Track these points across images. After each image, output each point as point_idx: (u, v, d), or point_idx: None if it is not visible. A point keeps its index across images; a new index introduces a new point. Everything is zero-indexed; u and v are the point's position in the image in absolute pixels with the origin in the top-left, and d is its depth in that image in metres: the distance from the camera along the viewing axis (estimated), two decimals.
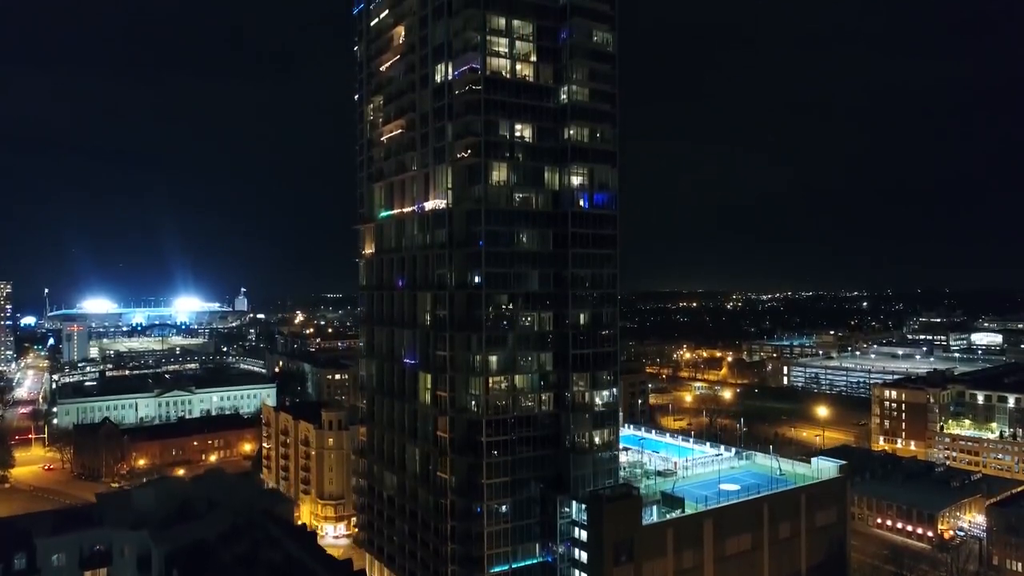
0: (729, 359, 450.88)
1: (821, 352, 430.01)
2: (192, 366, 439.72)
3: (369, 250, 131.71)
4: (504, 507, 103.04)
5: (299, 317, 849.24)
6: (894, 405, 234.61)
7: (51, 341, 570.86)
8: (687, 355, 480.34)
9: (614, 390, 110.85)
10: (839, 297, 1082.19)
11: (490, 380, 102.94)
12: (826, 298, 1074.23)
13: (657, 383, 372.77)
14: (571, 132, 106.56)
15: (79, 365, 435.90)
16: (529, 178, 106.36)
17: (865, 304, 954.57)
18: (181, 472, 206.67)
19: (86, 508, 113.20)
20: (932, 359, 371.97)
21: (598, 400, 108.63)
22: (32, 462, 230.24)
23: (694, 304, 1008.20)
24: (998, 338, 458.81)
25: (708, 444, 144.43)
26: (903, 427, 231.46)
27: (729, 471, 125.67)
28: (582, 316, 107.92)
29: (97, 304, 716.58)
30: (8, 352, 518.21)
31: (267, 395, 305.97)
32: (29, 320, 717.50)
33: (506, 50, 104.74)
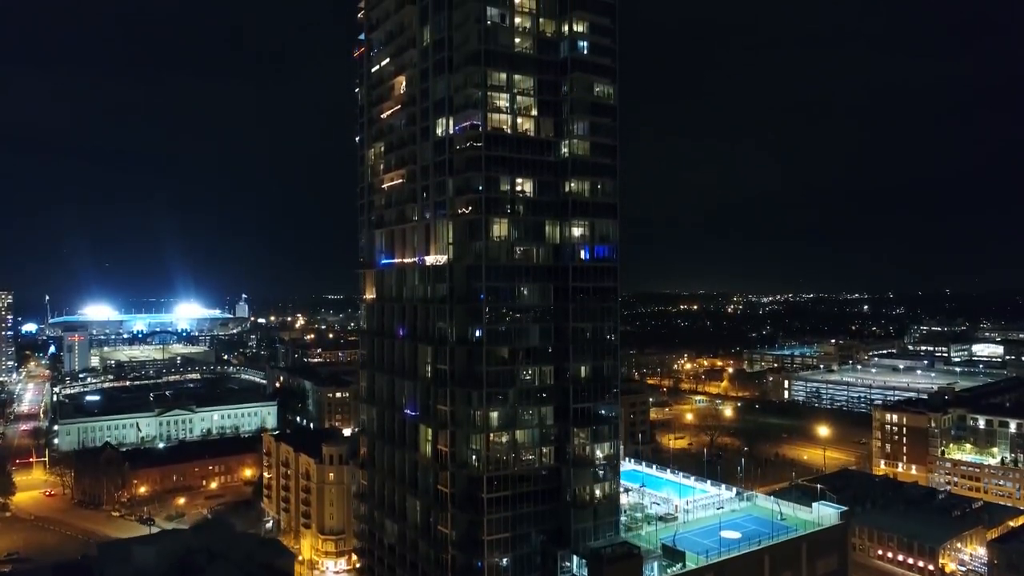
0: (730, 370, 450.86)
1: (822, 365, 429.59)
2: (193, 376, 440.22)
3: (370, 295, 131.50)
4: (505, 561, 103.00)
5: (300, 321, 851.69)
6: (895, 428, 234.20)
7: (52, 349, 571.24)
8: (688, 365, 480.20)
9: (615, 442, 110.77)
10: (840, 300, 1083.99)
11: (491, 436, 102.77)
12: (827, 300, 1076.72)
13: (658, 396, 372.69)
14: (572, 186, 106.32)
15: (80, 376, 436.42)
16: (530, 232, 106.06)
17: (866, 308, 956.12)
18: (182, 501, 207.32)
19: (87, 562, 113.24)
20: (933, 373, 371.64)
21: (599, 453, 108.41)
22: (33, 486, 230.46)
23: (694, 307, 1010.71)
24: (999, 349, 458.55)
25: (709, 482, 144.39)
26: (904, 451, 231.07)
27: (730, 515, 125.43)
28: (583, 369, 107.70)
29: (98, 311, 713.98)
30: (9, 362, 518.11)
31: (268, 413, 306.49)
32: (30, 327, 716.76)
33: (507, 104, 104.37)
